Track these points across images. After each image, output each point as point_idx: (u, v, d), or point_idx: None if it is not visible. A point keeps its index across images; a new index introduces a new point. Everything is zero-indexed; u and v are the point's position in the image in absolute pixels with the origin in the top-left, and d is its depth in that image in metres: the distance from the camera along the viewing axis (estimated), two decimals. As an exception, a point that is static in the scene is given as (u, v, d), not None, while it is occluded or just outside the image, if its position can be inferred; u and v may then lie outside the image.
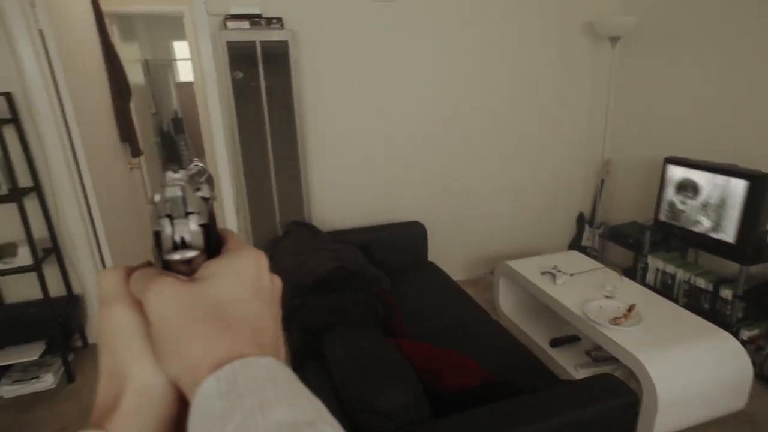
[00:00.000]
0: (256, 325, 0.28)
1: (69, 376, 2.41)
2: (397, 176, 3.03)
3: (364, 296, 1.55)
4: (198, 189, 0.30)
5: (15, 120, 2.26)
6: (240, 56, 2.36)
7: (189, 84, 6.27)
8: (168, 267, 0.29)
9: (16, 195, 2.21)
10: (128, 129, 3.20)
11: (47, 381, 2.34)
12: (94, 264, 2.63)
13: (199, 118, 4.03)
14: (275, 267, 2.49)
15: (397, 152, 2.98)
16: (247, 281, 0.29)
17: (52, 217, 2.45)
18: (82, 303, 2.64)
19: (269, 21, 2.32)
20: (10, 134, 2.25)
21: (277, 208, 2.62)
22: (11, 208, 2.34)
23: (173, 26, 6.04)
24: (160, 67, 5.75)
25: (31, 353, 2.30)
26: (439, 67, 2.90)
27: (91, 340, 2.71)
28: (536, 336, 2.50)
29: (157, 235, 0.28)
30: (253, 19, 2.30)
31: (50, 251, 2.46)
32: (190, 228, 0.28)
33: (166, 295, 0.26)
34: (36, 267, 2.27)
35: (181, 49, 6.44)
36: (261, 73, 2.40)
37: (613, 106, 3.26)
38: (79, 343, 2.67)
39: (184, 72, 6.44)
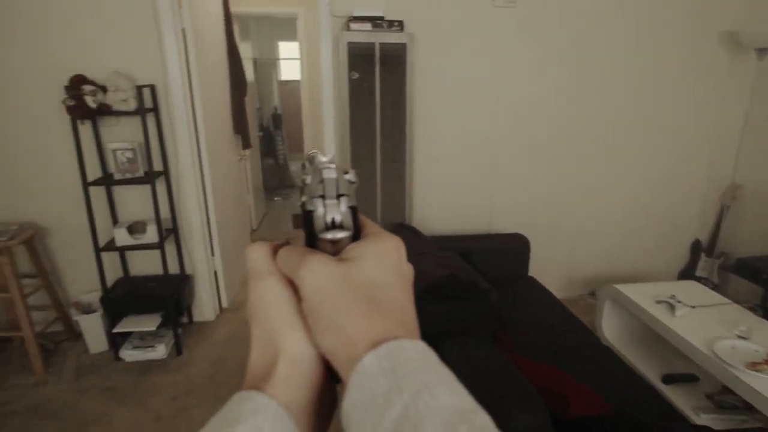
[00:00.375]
0: (402, 308, 0.29)
1: (178, 349, 2.60)
2: (499, 186, 2.94)
3: (481, 307, 1.51)
4: (346, 173, 0.31)
5: (155, 110, 2.48)
6: (358, 57, 2.41)
7: (289, 82, 6.58)
8: (313, 245, 0.30)
9: (150, 178, 2.41)
10: (242, 122, 3.40)
11: (160, 351, 2.53)
12: (205, 247, 2.81)
13: (302, 115, 4.19)
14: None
15: (501, 161, 2.90)
16: (390, 265, 0.30)
17: (174, 200, 2.65)
18: (192, 282, 2.83)
19: (390, 23, 2.35)
20: (150, 122, 2.47)
21: (379, 208, 2.65)
22: (145, 189, 2.57)
23: (279, 27, 6.36)
24: (265, 66, 6.07)
25: (149, 324, 2.50)
26: (554, 75, 2.78)
27: (196, 318, 2.90)
28: (644, 368, 2.31)
29: (308, 215, 0.29)
30: (375, 21, 2.34)
31: (170, 231, 2.66)
32: (341, 209, 0.29)
33: (320, 272, 0.28)
34: (160, 245, 2.47)
35: (285, 48, 6.77)
36: (377, 74, 2.43)
37: (751, 125, 2.95)
38: (185, 320, 2.87)
39: (286, 71, 6.76)
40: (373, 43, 2.38)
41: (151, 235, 2.47)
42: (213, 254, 2.90)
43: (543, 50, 2.72)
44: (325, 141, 2.69)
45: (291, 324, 0.29)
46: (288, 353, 0.29)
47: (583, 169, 3.00)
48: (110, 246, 2.49)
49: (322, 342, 0.28)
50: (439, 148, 2.80)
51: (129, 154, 2.42)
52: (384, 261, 0.30)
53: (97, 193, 2.52)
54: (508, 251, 2.64)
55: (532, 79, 2.77)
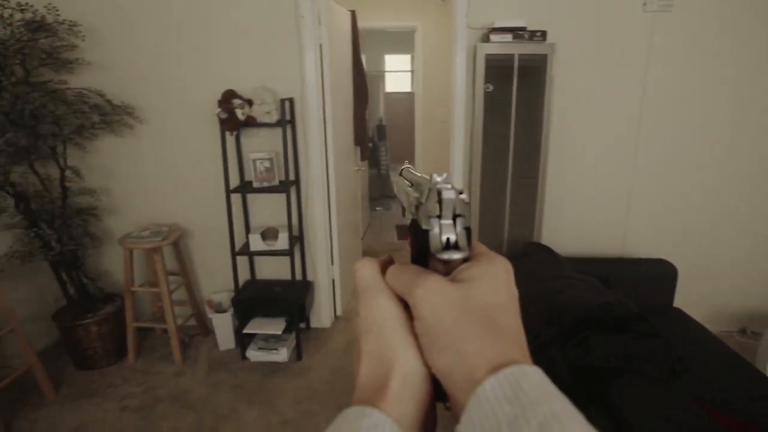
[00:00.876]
0: (517, 332, 0.29)
1: (298, 354, 2.67)
2: (637, 209, 2.69)
3: (656, 344, 1.34)
4: (461, 193, 0.30)
5: (292, 121, 2.59)
6: (495, 69, 2.34)
7: (393, 94, 6.68)
8: (421, 263, 0.30)
9: (286, 186, 2.52)
10: (362, 134, 3.47)
11: (282, 355, 2.61)
12: (326, 255, 2.88)
13: (414, 127, 4.20)
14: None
15: (640, 183, 2.65)
16: (504, 287, 0.29)
17: (302, 209, 2.75)
18: (313, 289, 2.90)
19: (533, 34, 2.25)
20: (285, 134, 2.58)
21: (507, 224, 2.53)
22: (275, 197, 2.69)
23: (387, 40, 6.48)
24: (373, 78, 6.22)
25: (275, 327, 2.60)
26: (710, 90, 2.49)
27: (313, 324, 2.97)
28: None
29: (423, 233, 0.29)
30: (516, 32, 2.25)
31: (297, 239, 2.76)
32: (458, 230, 0.29)
33: (437, 293, 0.28)
34: (290, 252, 2.56)
35: (391, 61, 6.90)
36: (514, 86, 2.34)
37: None
38: (302, 326, 2.95)
39: (391, 83, 6.88)
40: (511, 55, 2.29)
41: (282, 242, 2.57)
42: (332, 262, 2.96)
43: (697, 62, 2.45)
44: (453, 153, 2.64)
45: (404, 342, 0.29)
46: (401, 370, 0.29)
47: (733, 196, 2.65)
48: (244, 250, 2.63)
49: (437, 362, 0.28)
50: (573, 165, 2.63)
51: (267, 164, 2.55)
52: (497, 283, 0.29)
53: (234, 200, 2.68)
54: (652, 278, 2.39)
55: (685, 94, 2.50)
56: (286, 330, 2.63)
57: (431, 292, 0.28)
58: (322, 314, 2.96)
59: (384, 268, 0.32)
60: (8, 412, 2.27)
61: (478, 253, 0.31)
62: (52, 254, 2.42)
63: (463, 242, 0.29)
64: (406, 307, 0.30)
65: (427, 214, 0.29)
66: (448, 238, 0.29)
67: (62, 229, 2.48)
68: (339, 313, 3.10)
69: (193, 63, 2.57)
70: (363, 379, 0.30)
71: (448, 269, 0.30)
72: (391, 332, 0.30)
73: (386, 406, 0.28)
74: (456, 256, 0.29)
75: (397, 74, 6.76)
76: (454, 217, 0.29)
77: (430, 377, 0.29)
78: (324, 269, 2.88)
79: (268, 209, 2.77)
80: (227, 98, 2.42)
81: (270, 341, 2.69)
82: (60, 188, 2.50)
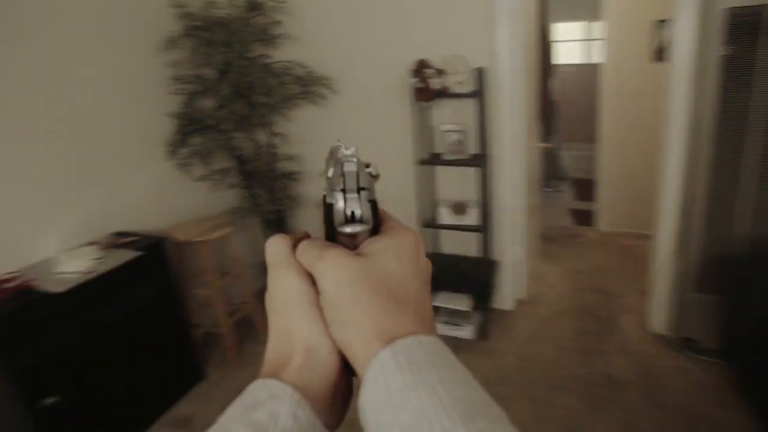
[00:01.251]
0: (419, 303, 0.29)
1: (483, 333, 2.58)
2: None
3: None
4: (367, 166, 0.30)
5: (481, 92, 2.47)
6: (737, 26, 1.91)
7: (564, 66, 6.14)
8: (333, 239, 0.31)
9: (479, 160, 2.42)
10: (547, 108, 3.21)
11: (467, 331, 2.55)
12: (512, 233, 2.72)
13: (600, 102, 3.77)
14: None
15: None
16: (409, 260, 0.30)
17: (490, 184, 2.63)
18: (497, 269, 2.78)
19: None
20: (475, 105, 2.48)
21: (750, 217, 2.08)
22: (460, 170, 2.61)
23: (556, 7, 5.95)
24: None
25: (461, 303, 2.55)
26: None
27: (495, 305, 2.86)
28: None
29: (329, 208, 0.29)
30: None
31: (486, 215, 2.65)
32: (361, 203, 0.29)
33: (339, 266, 0.28)
34: (482, 228, 2.47)
35: (559, 30, 6.35)
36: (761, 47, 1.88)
37: None
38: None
39: (562, 54, 6.34)
40: (761, 7, 1.84)
41: (471, 217, 2.49)
42: (517, 243, 2.81)
43: None
44: (671, 131, 2.24)
45: (308, 316, 0.29)
46: (304, 343, 0.29)
47: None
48: (431, 223, 2.62)
49: (338, 334, 0.28)
50: None
51: (458, 136, 2.48)
52: (402, 255, 0.30)
53: (421, 172, 2.67)
54: None
55: None
56: (473, 307, 2.57)
57: (332, 266, 0.28)
58: (504, 295, 2.83)
59: (297, 245, 0.32)
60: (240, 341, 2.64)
61: (388, 226, 0.31)
62: (263, 212, 2.72)
63: (367, 215, 0.29)
64: (314, 282, 0.30)
65: (332, 188, 0.29)
66: (352, 212, 0.29)
67: (270, 191, 2.77)
68: (522, 296, 2.94)
69: (385, 33, 2.61)
70: (269, 354, 0.31)
71: (355, 243, 0.30)
72: (296, 307, 0.30)
73: (288, 379, 0.28)
74: (359, 228, 0.29)
75: (568, 44, 6.18)
76: (359, 191, 0.29)
77: (338, 351, 0.29)
78: (509, 249, 2.74)
79: (453, 183, 2.71)
80: (420, 68, 2.39)
81: (454, 316, 2.66)
82: (268, 154, 2.77)
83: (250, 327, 2.76)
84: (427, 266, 0.32)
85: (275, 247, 0.32)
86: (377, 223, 0.31)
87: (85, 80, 2.22)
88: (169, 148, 2.67)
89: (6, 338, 1.62)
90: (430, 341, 0.26)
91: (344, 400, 0.31)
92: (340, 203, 0.29)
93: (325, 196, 0.30)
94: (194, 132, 2.78)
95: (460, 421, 0.22)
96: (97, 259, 1.97)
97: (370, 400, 0.25)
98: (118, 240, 2.18)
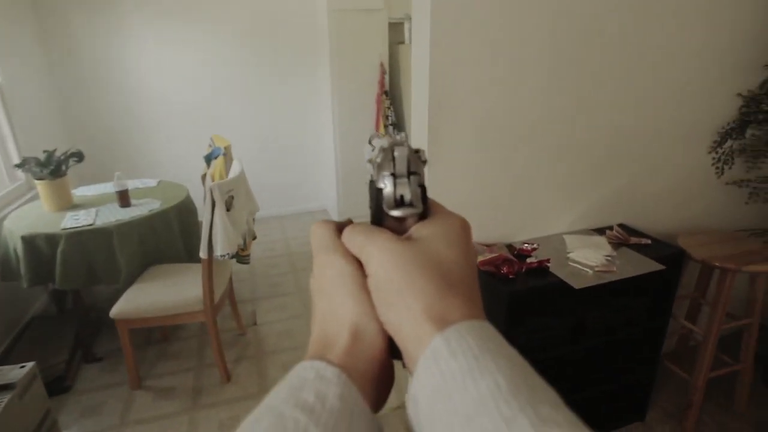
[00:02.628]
0: (469, 287, 0.29)
1: None
2: None
3: None
4: (417, 151, 0.30)
5: None
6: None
7: None
8: (380, 224, 0.30)
9: None
10: None
11: None
12: None
13: None
14: None
15: None
16: (459, 244, 0.30)
17: None
18: None
19: None
20: None
21: None
22: None
23: None
24: None
25: None
26: None
27: None
28: None
29: (378, 192, 0.29)
30: None
31: None
32: (411, 187, 0.29)
33: (389, 249, 0.28)
34: None
35: None
36: None
37: None
38: None
39: None
40: None
41: None
42: None
43: None
44: None
45: (355, 298, 0.29)
46: (352, 325, 0.29)
47: None
48: None
49: (387, 317, 0.28)
50: None
51: None
52: (452, 239, 0.29)
53: None
54: None
55: None
56: None
57: (382, 249, 0.28)
58: None
59: (341, 231, 0.32)
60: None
61: (436, 211, 0.31)
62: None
63: (416, 199, 0.29)
64: (361, 266, 0.30)
65: (381, 172, 0.29)
66: (401, 195, 0.29)
67: None
68: None
69: None
70: (315, 336, 0.31)
71: (403, 228, 0.30)
72: (342, 289, 0.30)
73: (335, 360, 0.28)
74: (409, 212, 0.29)
75: None
76: (409, 175, 0.29)
77: (384, 334, 0.29)
78: None
79: None
80: None
81: None
82: None
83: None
84: (474, 252, 0.31)
85: (320, 230, 0.32)
86: (426, 208, 0.30)
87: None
88: (717, 138, 2.07)
89: (520, 313, 1.58)
90: (483, 326, 0.26)
91: (388, 383, 0.30)
92: (389, 187, 0.29)
93: (372, 181, 0.30)
94: (755, 122, 2.05)
95: (519, 408, 0.20)
96: (609, 257, 1.69)
97: (422, 387, 0.24)
98: (629, 238, 1.84)
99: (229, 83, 4.23)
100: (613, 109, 1.85)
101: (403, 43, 4.09)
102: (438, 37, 1.52)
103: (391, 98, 4.17)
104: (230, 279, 2.67)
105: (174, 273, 2.48)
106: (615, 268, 1.61)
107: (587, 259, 1.66)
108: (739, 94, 2.03)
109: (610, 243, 1.82)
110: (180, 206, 2.71)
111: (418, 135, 1.69)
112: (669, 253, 1.76)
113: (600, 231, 1.95)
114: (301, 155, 4.67)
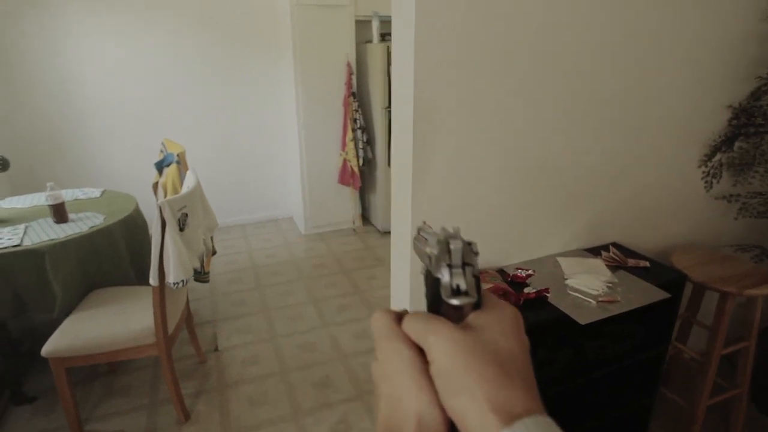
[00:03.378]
0: (528, 377, 0.29)
1: None
2: None
3: None
4: (470, 244, 0.32)
5: None
6: None
7: None
8: (436, 312, 0.32)
9: None
10: None
11: None
12: None
13: None
14: None
15: None
16: (514, 335, 0.31)
17: None
18: None
19: None
20: None
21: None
22: None
23: None
24: None
25: None
26: None
27: None
28: None
29: (435, 282, 0.31)
30: None
31: None
32: (468, 278, 0.31)
33: (450, 338, 0.29)
34: None
35: None
36: None
37: None
38: None
39: None
40: None
41: None
42: None
43: None
44: None
45: (419, 384, 0.30)
46: (416, 413, 0.29)
47: None
48: None
49: (451, 404, 0.28)
50: None
51: None
52: (508, 329, 0.31)
53: None
54: None
55: None
56: None
57: (443, 337, 0.29)
58: None
59: (400, 319, 0.33)
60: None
61: (488, 301, 0.32)
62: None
63: (472, 288, 0.31)
64: (421, 352, 0.31)
65: (438, 263, 0.31)
66: (458, 285, 0.30)
67: None
68: None
69: None
70: (381, 420, 0.32)
71: (459, 316, 0.31)
72: (406, 376, 0.30)
73: None
74: (466, 300, 0.30)
75: None
76: (464, 266, 0.31)
77: (447, 421, 0.29)
78: None
79: None
80: None
81: None
82: None
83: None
84: (527, 343, 0.32)
85: (381, 320, 0.34)
86: (480, 297, 0.32)
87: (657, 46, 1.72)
88: (708, 151, 1.99)
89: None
90: (547, 422, 0.26)
91: None
92: (446, 277, 0.31)
93: (428, 271, 0.32)
94: (744, 135, 1.99)
95: None
96: (610, 283, 1.56)
97: None
98: (626, 260, 1.72)
99: (183, 82, 3.89)
100: (603, 127, 1.72)
101: (370, 41, 3.88)
102: (424, 39, 1.32)
103: (358, 100, 3.96)
104: (186, 302, 2.39)
105: (121, 298, 2.18)
106: (618, 297, 1.48)
107: (588, 287, 1.52)
108: (730, 106, 1.95)
109: (607, 266, 1.69)
110: (127, 220, 2.41)
111: (399, 148, 1.50)
112: (670, 278, 1.65)
113: (593, 251, 1.83)
114: (263, 159, 4.39)
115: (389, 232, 4.45)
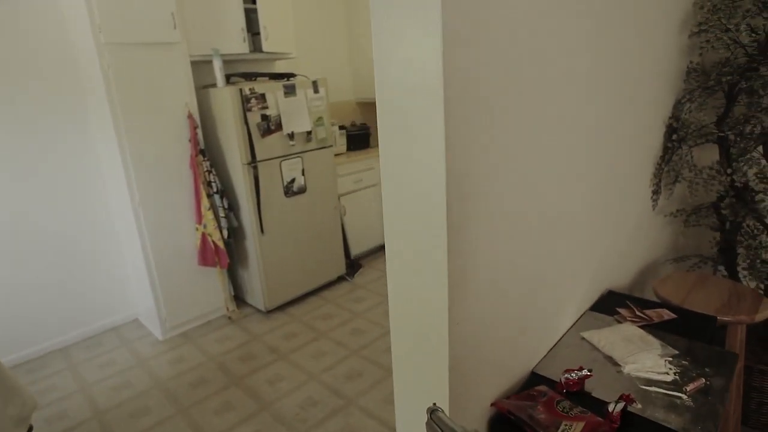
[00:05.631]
0: None
1: None
2: None
3: None
4: (476, 431, 0.37)
5: None
6: None
7: None
8: None
9: None
10: None
11: None
12: None
13: None
14: None
15: None
16: None
17: None
18: None
19: None
20: None
21: None
22: None
23: None
24: None
25: None
26: None
27: None
28: None
29: None
30: None
31: None
32: None
33: None
34: None
35: None
36: None
37: None
38: None
39: None
40: None
41: None
42: None
43: None
44: None
45: None
46: None
47: None
48: None
49: None
50: None
51: None
52: None
53: None
54: None
55: None
56: None
57: None
58: None
59: None
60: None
61: None
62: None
63: None
64: None
65: None
66: None
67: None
68: None
69: None
70: None
71: None
72: None
73: None
74: None
75: None
76: None
77: None
78: None
79: None
80: None
81: None
82: None
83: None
84: None
85: None
86: None
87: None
88: (654, 169, 1.85)
89: None
90: None
91: None
92: None
93: None
94: (681, 147, 1.92)
95: None
96: (668, 357, 1.21)
97: None
98: (651, 317, 1.41)
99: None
100: (590, 174, 1.41)
101: (214, 86, 3.15)
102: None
103: (210, 158, 3.17)
104: None
105: None
106: (702, 377, 1.12)
107: (660, 375, 1.14)
108: (669, 122, 1.85)
109: (631, 322, 1.35)
110: None
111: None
112: (701, 324, 1.38)
113: (602, 310, 1.49)
114: (83, 248, 3.21)
115: (276, 309, 3.67)
